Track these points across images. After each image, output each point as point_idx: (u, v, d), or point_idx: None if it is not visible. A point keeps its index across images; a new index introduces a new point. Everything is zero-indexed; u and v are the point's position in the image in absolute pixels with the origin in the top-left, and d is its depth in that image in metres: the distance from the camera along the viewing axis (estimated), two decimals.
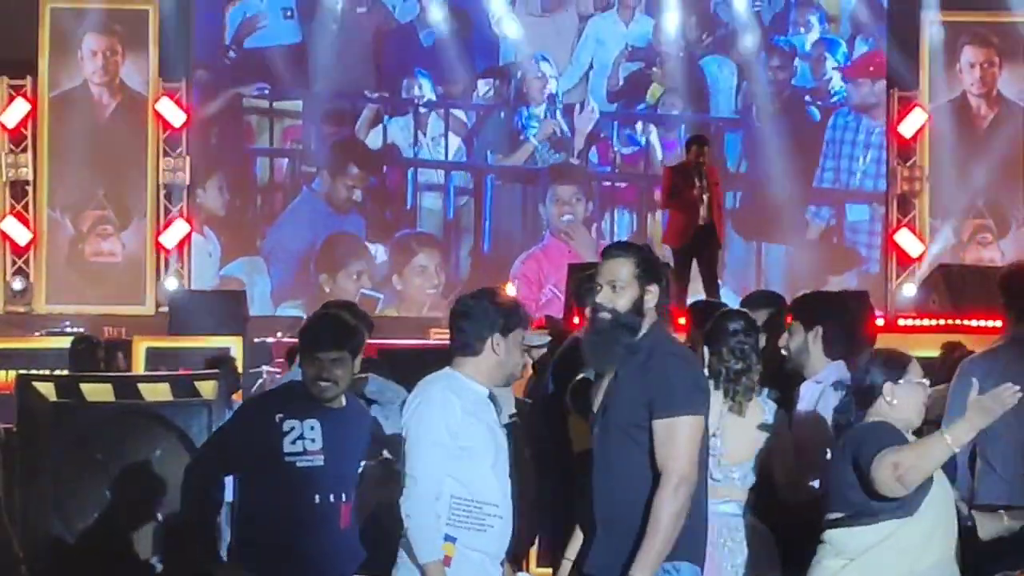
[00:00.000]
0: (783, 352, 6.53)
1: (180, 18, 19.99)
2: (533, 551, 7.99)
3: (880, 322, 11.05)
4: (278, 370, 15.08)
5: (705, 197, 13.97)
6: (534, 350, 6.91)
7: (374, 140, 20.57)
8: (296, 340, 6.93)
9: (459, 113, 20.67)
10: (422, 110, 20.57)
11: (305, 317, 9.98)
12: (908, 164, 20.56)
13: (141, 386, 9.17)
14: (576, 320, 10.13)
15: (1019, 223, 20.48)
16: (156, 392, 9.01)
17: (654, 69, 20.68)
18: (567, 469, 6.77)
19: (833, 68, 20.75)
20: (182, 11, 20.00)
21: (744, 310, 6.71)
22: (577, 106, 20.63)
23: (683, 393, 5.44)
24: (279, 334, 17.17)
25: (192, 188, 20.21)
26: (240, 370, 13.43)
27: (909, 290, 19.35)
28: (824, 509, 5.48)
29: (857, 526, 5.36)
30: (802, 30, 20.83)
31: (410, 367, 7.14)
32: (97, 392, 9.01)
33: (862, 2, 20.69)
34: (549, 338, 7.04)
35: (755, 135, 20.58)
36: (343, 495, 6.21)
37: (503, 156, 20.70)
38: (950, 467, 5.63)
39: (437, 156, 20.61)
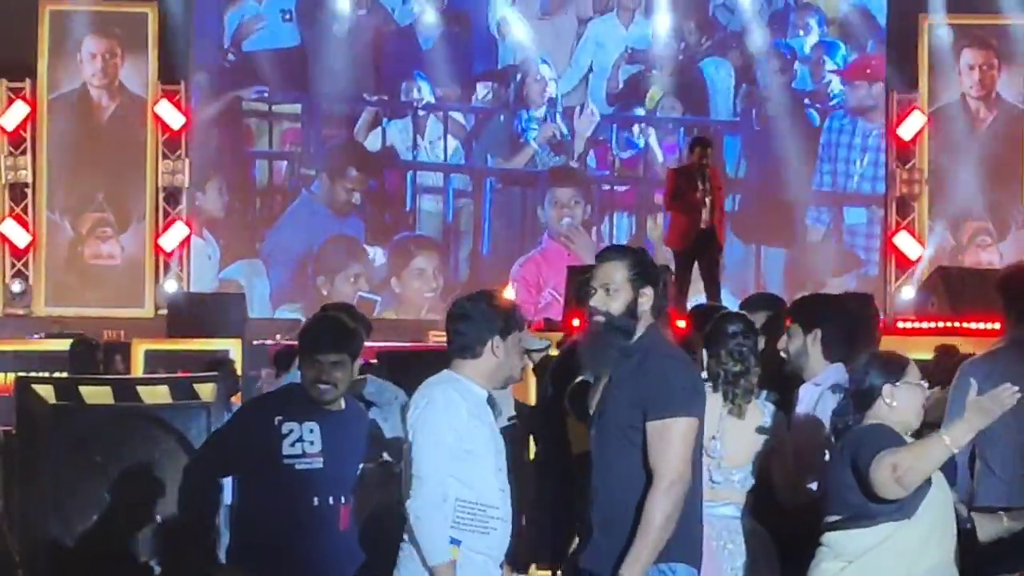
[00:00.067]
0: (782, 355, 6.53)
1: (179, 20, 19.99)
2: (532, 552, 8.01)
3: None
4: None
5: (708, 200, 13.94)
6: (534, 353, 6.93)
7: (373, 143, 20.57)
8: (286, 345, 6.94)
9: (457, 116, 20.67)
10: (421, 113, 20.58)
11: (302, 320, 10.02)
12: (907, 167, 20.56)
13: (140, 388, 9.17)
14: (576, 322, 10.17)
15: (1018, 225, 20.48)
16: (155, 394, 9.01)
17: (653, 72, 20.68)
18: (567, 471, 6.78)
19: (832, 71, 20.75)
20: (181, 14, 20.00)
21: (743, 313, 6.71)
22: (577, 109, 20.63)
23: (677, 395, 5.45)
24: (278, 336, 17.16)
25: (191, 191, 20.21)
26: (239, 373, 13.44)
27: (908, 293, 19.34)
28: (822, 511, 5.48)
29: (855, 528, 5.36)
30: (801, 33, 20.83)
31: (408, 369, 7.15)
32: (96, 394, 9.01)
33: (861, 5, 20.69)
34: (549, 342, 7.06)
35: (754, 138, 20.59)
36: (342, 497, 6.22)
37: (503, 159, 20.70)
38: (950, 469, 5.63)
39: (435, 159, 20.61)
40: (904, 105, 20.51)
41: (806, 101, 20.81)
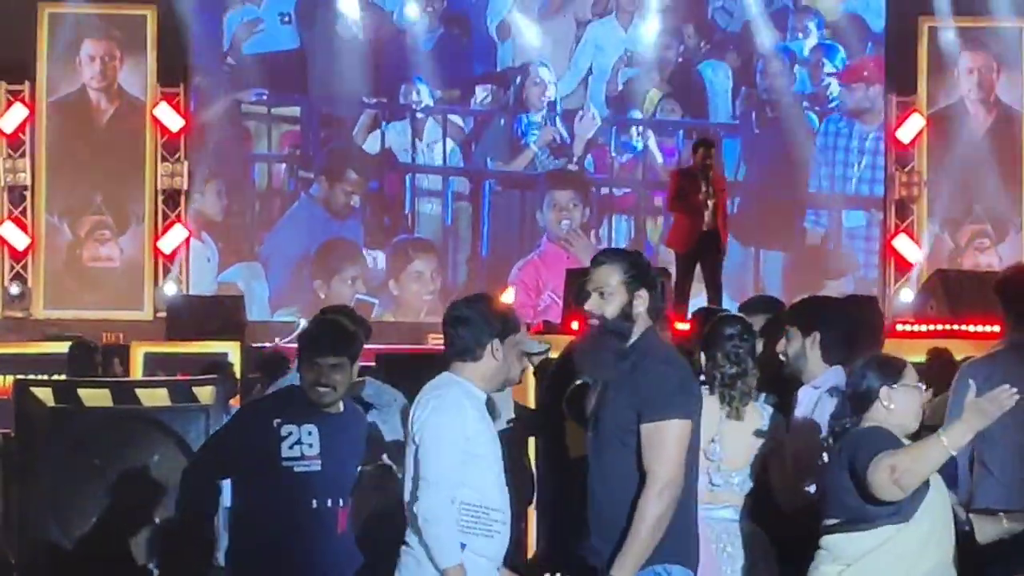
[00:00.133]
0: (781, 357, 6.53)
1: (179, 23, 19.97)
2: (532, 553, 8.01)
3: None
4: None
5: (710, 203, 13.92)
6: (534, 356, 6.92)
7: (372, 146, 20.56)
8: (273, 351, 6.95)
9: (456, 119, 20.67)
10: (420, 115, 20.57)
11: (298, 323, 10.02)
12: (906, 169, 20.55)
13: (139, 391, 9.19)
14: (575, 325, 10.17)
15: (1017, 228, 20.47)
16: (154, 397, 9.02)
17: (652, 74, 20.68)
18: (566, 474, 6.78)
19: (831, 74, 20.75)
20: (180, 16, 19.98)
21: (740, 315, 6.72)
22: (578, 112, 20.61)
23: (671, 397, 5.46)
24: (277, 339, 17.15)
25: (190, 193, 20.19)
26: (238, 376, 13.43)
27: (907, 295, 19.34)
28: (821, 514, 5.48)
29: (854, 532, 5.36)
30: (800, 35, 20.83)
31: (406, 372, 7.15)
32: (95, 397, 9.02)
33: (860, 7, 20.69)
34: (548, 345, 7.05)
35: (753, 141, 20.59)
36: (340, 500, 6.22)
37: (502, 162, 20.69)
38: (950, 471, 5.63)
39: (434, 162, 20.60)
40: (903, 108, 20.50)
41: (805, 104, 20.81)
